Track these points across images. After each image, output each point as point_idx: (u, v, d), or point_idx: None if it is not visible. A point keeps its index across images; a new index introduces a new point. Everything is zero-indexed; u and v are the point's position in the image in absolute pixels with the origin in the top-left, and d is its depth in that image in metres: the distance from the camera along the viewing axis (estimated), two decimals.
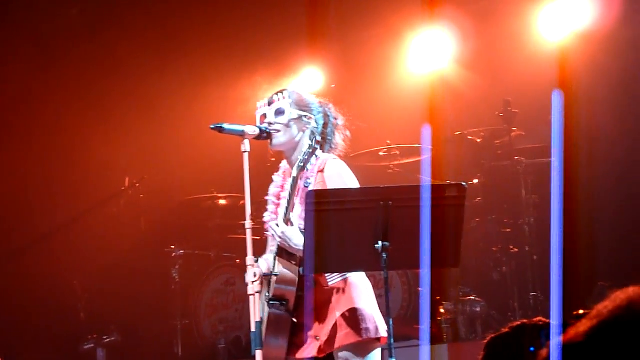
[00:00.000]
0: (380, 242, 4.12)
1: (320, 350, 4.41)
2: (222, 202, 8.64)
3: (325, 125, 4.65)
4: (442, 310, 7.24)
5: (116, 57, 9.02)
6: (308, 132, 4.60)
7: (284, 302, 4.41)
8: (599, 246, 7.53)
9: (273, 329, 4.44)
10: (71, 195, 8.87)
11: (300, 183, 4.49)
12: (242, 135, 4.47)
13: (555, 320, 2.91)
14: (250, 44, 8.91)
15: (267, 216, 4.66)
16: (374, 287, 4.62)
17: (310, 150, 4.47)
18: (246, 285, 4.34)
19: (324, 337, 4.41)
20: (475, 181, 7.84)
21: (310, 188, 4.41)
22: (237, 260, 8.02)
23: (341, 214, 4.17)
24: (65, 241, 8.70)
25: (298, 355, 4.46)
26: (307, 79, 8.62)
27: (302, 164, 4.46)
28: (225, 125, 4.48)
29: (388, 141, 7.84)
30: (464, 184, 4.26)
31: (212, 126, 4.48)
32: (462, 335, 7.25)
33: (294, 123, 4.60)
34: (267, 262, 4.49)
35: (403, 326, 7.02)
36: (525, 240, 7.54)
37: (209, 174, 8.71)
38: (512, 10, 8.27)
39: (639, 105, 7.82)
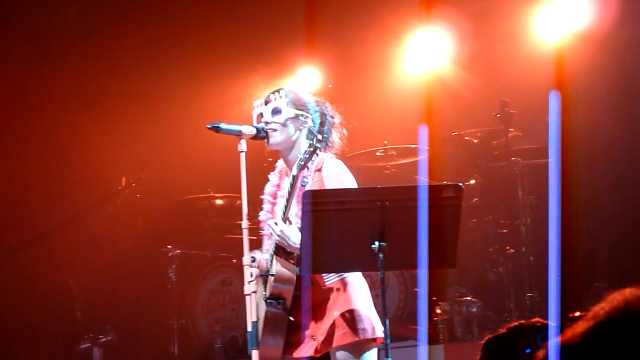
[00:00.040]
0: (377, 243, 4.12)
1: (316, 350, 4.41)
2: (219, 201, 8.64)
3: (322, 124, 4.63)
4: (438, 311, 7.25)
5: (114, 57, 9.02)
6: (305, 131, 4.59)
7: (281, 301, 4.42)
8: (596, 247, 7.53)
9: (270, 327, 4.44)
10: (68, 194, 8.86)
11: (298, 182, 4.49)
12: (239, 135, 4.47)
13: (553, 322, 2.91)
14: (247, 44, 8.91)
15: (262, 215, 4.66)
16: (370, 287, 4.62)
17: (312, 149, 4.45)
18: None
19: (320, 336, 4.41)
20: (472, 182, 7.84)
21: (308, 187, 4.40)
22: (234, 260, 8.02)
23: (338, 214, 4.16)
24: (62, 241, 8.70)
25: (295, 355, 4.46)
26: (304, 79, 8.61)
27: (302, 163, 4.44)
28: (222, 125, 4.47)
29: (385, 141, 7.82)
30: (460, 184, 4.26)
31: (209, 126, 4.47)
32: (458, 336, 7.25)
33: (291, 122, 4.59)
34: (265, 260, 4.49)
35: (399, 326, 7.02)
36: (521, 240, 7.54)
37: (206, 174, 8.71)
38: (509, 11, 8.27)
39: (636, 105, 7.82)
